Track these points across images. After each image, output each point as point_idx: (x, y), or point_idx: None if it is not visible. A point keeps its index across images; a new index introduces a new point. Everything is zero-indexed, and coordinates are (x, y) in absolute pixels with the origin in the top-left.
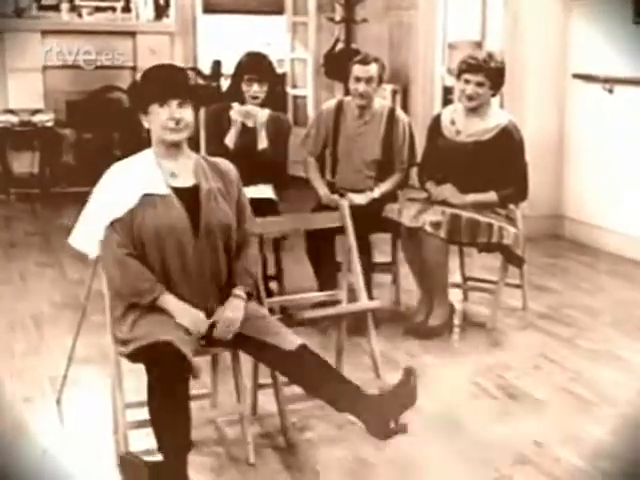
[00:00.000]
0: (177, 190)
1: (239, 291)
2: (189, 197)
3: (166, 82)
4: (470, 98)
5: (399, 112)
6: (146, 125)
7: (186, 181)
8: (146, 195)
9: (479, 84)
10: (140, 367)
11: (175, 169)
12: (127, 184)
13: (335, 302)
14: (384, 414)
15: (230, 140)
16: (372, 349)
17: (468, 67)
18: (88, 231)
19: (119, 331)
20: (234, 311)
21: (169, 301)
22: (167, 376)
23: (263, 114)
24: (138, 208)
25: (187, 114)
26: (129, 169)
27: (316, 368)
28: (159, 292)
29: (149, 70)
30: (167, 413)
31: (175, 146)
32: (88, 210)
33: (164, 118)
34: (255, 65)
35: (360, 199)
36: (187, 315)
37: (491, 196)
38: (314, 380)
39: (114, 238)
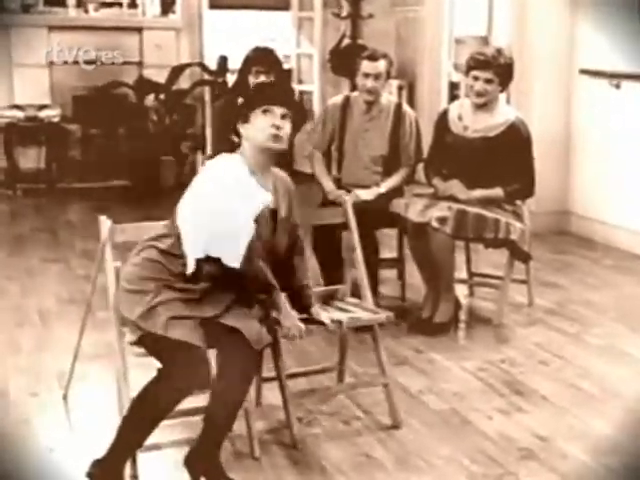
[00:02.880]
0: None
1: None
2: (269, 218)
3: (274, 90)
4: (479, 95)
5: (406, 107)
6: (243, 133)
7: (270, 201)
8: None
9: (488, 81)
10: (145, 362)
11: (264, 184)
12: (246, 189)
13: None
14: None
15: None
16: (377, 345)
17: (477, 64)
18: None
19: (141, 306)
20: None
21: (280, 296)
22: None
23: None
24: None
25: (287, 126)
26: (233, 174)
27: None
28: (277, 288)
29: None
30: (159, 408)
31: (270, 159)
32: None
33: (268, 125)
34: (262, 58)
35: (366, 195)
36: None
37: (498, 192)
38: None
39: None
